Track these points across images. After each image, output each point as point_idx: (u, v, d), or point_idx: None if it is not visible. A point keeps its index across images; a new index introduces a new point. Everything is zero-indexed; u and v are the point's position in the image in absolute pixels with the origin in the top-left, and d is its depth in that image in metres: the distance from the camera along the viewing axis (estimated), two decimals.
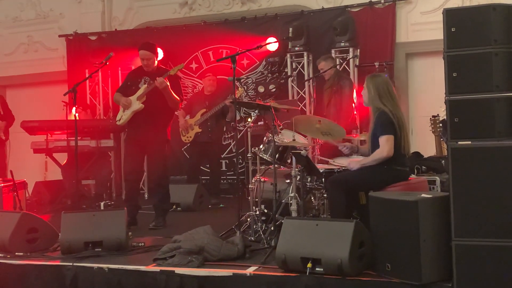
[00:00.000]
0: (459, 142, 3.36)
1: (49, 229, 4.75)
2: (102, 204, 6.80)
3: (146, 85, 5.65)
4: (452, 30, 3.39)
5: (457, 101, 3.39)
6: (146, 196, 8.21)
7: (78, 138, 5.29)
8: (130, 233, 4.67)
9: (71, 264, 4.10)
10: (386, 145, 4.23)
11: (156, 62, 5.77)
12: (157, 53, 5.82)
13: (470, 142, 3.34)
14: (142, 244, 4.65)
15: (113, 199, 8.06)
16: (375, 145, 4.34)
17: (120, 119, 5.77)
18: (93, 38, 9.15)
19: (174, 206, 6.43)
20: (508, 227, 3.20)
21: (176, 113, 6.55)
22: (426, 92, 7.59)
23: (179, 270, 3.86)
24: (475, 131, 3.35)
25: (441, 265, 3.36)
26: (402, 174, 4.37)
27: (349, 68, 7.59)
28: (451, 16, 3.42)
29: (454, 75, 3.38)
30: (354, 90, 6.85)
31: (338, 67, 7.19)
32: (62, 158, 7.84)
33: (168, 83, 5.51)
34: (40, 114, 8.27)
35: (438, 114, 6.10)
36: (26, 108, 8.85)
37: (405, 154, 4.35)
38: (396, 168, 4.30)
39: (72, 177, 6.72)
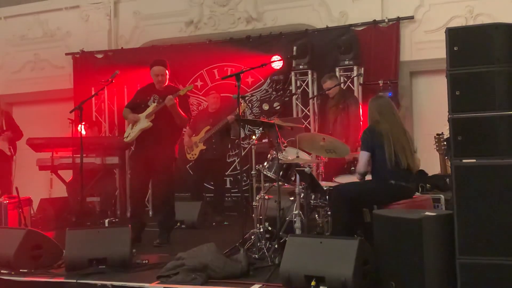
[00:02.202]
0: (463, 160, 3.37)
1: (54, 246, 4.76)
2: (106, 221, 6.81)
3: (155, 103, 5.67)
4: (455, 49, 3.42)
5: (460, 119, 3.40)
6: (150, 213, 8.21)
7: (84, 155, 5.32)
8: (134, 250, 4.65)
9: (75, 281, 4.10)
10: (359, 160, 4.51)
11: (167, 79, 5.81)
12: (169, 70, 5.87)
13: (474, 160, 3.35)
14: (146, 261, 4.65)
15: (118, 216, 8.07)
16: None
17: (127, 136, 5.78)
18: (99, 56, 9.23)
19: (178, 224, 6.42)
20: (510, 245, 3.19)
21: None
22: (431, 110, 7.61)
23: None
24: (478, 149, 3.36)
25: (446, 284, 3.35)
26: (406, 190, 4.39)
27: (354, 86, 7.63)
28: (454, 35, 3.45)
29: (457, 93, 3.40)
30: (360, 108, 6.87)
31: (342, 85, 7.23)
32: (67, 175, 7.87)
33: (177, 102, 5.54)
34: (46, 131, 8.32)
35: (442, 132, 6.10)
36: (32, 125, 8.88)
37: (408, 170, 4.37)
38: (401, 184, 4.33)
39: (77, 194, 6.74)
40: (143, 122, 5.67)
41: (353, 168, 5.51)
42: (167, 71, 5.76)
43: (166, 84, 5.81)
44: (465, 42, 3.42)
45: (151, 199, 8.16)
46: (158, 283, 3.98)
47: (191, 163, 7.89)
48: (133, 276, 4.24)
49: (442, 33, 3.54)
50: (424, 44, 7.67)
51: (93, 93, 7.68)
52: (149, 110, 5.67)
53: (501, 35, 3.36)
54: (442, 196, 5.24)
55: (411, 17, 7.74)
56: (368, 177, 4.61)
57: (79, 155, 5.33)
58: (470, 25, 6.45)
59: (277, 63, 7.87)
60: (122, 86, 8.64)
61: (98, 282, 4.05)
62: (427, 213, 3.52)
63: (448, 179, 5.62)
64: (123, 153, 8.21)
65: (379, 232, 3.71)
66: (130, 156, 7.91)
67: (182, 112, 5.63)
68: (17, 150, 7.81)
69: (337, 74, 7.55)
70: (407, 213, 3.66)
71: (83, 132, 7.95)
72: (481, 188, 3.29)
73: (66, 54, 9.44)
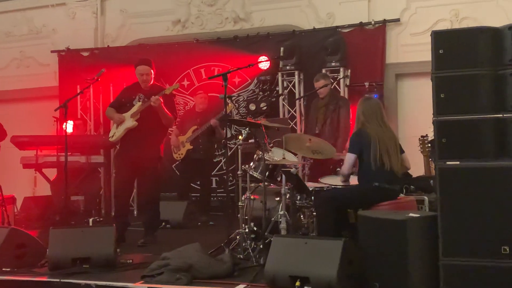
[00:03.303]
0: (447, 162, 3.40)
1: (37, 244, 4.72)
2: (91, 220, 6.76)
3: (140, 102, 5.66)
4: (440, 52, 3.44)
5: (445, 122, 3.43)
6: (135, 212, 8.17)
7: (68, 153, 5.28)
8: (118, 250, 4.64)
9: (58, 280, 4.07)
10: (345, 162, 4.54)
11: (153, 79, 5.80)
12: (155, 69, 5.85)
13: (458, 163, 3.38)
14: (131, 261, 4.62)
15: (102, 216, 8.03)
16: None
17: (112, 136, 5.76)
18: (85, 54, 9.16)
19: (163, 223, 6.40)
20: (495, 248, 3.23)
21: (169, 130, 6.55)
22: (416, 113, 7.66)
23: None
24: (462, 152, 3.39)
25: (429, 284, 3.38)
26: (390, 192, 4.42)
27: (340, 88, 7.65)
28: (439, 38, 3.47)
29: (441, 96, 3.43)
30: (350, 109, 6.87)
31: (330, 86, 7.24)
32: (52, 173, 7.80)
33: (162, 101, 5.53)
34: (31, 129, 8.25)
35: (427, 135, 6.15)
36: (17, 123, 8.80)
37: (393, 172, 4.41)
38: (384, 186, 4.36)
39: (61, 193, 6.67)
40: (128, 121, 5.64)
41: (338, 169, 5.53)
42: (152, 71, 5.75)
43: (152, 83, 5.79)
44: (451, 45, 3.45)
45: (136, 199, 8.12)
46: (142, 283, 3.96)
47: (177, 163, 7.87)
48: (117, 276, 4.21)
49: (428, 36, 3.57)
50: (410, 46, 7.72)
51: (78, 91, 7.62)
52: (134, 109, 5.65)
53: (486, 39, 3.40)
54: (426, 198, 5.27)
55: (397, 20, 7.79)
56: (355, 180, 4.65)
57: (63, 154, 5.28)
58: (456, 28, 6.50)
59: (264, 63, 7.87)
60: (108, 85, 8.60)
61: (82, 282, 4.03)
62: (411, 214, 3.54)
63: (432, 181, 5.67)
64: (108, 152, 8.16)
65: (364, 233, 3.73)
66: (115, 155, 7.85)
67: (168, 112, 5.61)
68: (0, 148, 7.74)
69: None
70: (391, 214, 3.69)
71: (71, 130, 7.92)
72: (465, 190, 3.32)
73: (52, 51, 9.35)
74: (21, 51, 9.74)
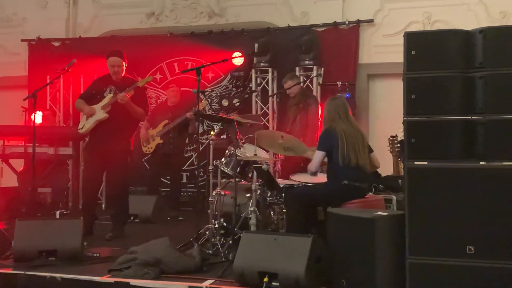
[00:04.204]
0: (416, 162, 3.44)
1: (2, 236, 4.62)
2: (58, 212, 6.67)
3: (111, 94, 5.59)
4: (412, 53, 3.48)
5: (415, 122, 3.47)
6: (103, 206, 8.08)
7: (36, 145, 5.18)
8: (85, 243, 4.58)
9: (23, 272, 4.00)
10: (314, 159, 4.57)
11: (124, 71, 5.73)
12: (126, 61, 5.78)
13: (426, 163, 3.43)
14: (98, 254, 4.57)
15: (70, 208, 7.93)
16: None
17: (82, 128, 5.68)
18: (56, 44, 9.01)
19: (132, 217, 6.34)
20: (460, 247, 3.28)
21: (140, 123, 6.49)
22: (386, 113, 7.75)
23: (134, 282, 3.80)
24: (431, 152, 3.44)
25: (396, 283, 3.42)
26: (359, 190, 4.47)
27: (313, 86, 7.69)
28: (412, 40, 3.51)
29: (412, 97, 3.47)
30: (320, 108, 6.94)
31: (302, 84, 7.28)
32: (19, 164, 7.66)
33: (130, 96, 5.47)
34: None
35: (396, 135, 6.23)
36: None
37: (361, 171, 4.45)
38: (354, 184, 4.41)
39: (28, 185, 6.57)
40: (99, 113, 5.58)
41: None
42: (123, 62, 5.68)
43: (123, 75, 5.72)
44: (423, 47, 3.49)
45: (104, 192, 8.03)
46: (109, 277, 3.92)
47: (147, 157, 7.81)
48: (84, 269, 4.16)
49: (400, 37, 3.61)
50: (383, 47, 7.80)
51: (48, 81, 7.49)
52: (105, 101, 5.58)
53: (457, 41, 3.45)
54: (394, 197, 5.34)
55: (371, 21, 7.86)
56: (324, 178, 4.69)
57: (31, 145, 5.18)
58: (428, 30, 6.60)
59: (238, 59, 7.87)
60: (78, 76, 8.48)
61: (47, 275, 3.97)
62: (379, 212, 3.58)
63: (400, 181, 5.74)
64: (77, 144, 8.05)
65: (333, 230, 3.76)
66: (84, 147, 7.76)
67: (138, 106, 5.57)
68: None
69: (297, 73, 7.60)
70: (360, 212, 3.72)
71: (39, 120, 7.79)
72: (432, 190, 3.37)
73: (22, 40, 9.16)
74: None
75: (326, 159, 4.79)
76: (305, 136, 6.38)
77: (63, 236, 4.37)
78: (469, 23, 6.35)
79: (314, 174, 4.67)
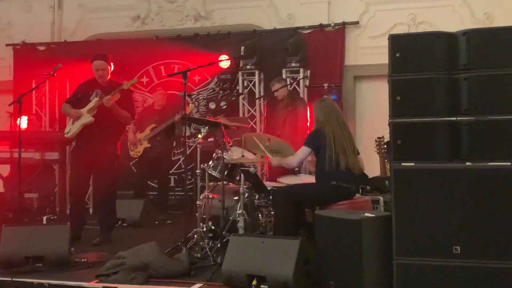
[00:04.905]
0: (402, 164, 3.46)
1: None
2: (44, 218, 6.61)
3: (97, 98, 5.57)
4: (397, 55, 3.51)
5: (400, 124, 3.50)
6: (91, 210, 8.03)
7: (22, 149, 5.15)
8: (73, 249, 4.56)
9: (10, 279, 3.97)
10: (298, 153, 4.60)
11: (109, 74, 5.71)
12: (111, 65, 5.76)
13: (412, 164, 3.45)
14: (85, 260, 4.55)
15: (57, 214, 7.86)
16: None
17: (68, 132, 5.65)
18: (41, 48, 8.96)
19: (119, 222, 6.31)
20: (447, 247, 3.31)
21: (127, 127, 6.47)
22: (373, 114, 7.78)
23: (122, 287, 3.78)
24: (417, 153, 3.46)
25: (383, 283, 3.43)
26: (347, 192, 4.49)
27: (299, 89, 7.70)
28: (396, 42, 3.54)
29: (397, 98, 3.49)
30: (308, 109, 6.97)
31: (288, 87, 7.30)
32: (5, 170, 7.60)
33: (115, 100, 5.45)
34: None
35: (383, 136, 6.26)
36: None
37: (349, 172, 4.47)
38: (342, 185, 4.42)
39: (14, 190, 6.52)
40: (85, 117, 5.55)
41: (297, 169, 5.58)
42: (108, 66, 5.66)
43: (109, 78, 5.70)
44: (407, 49, 3.51)
45: (91, 196, 7.99)
46: (96, 282, 3.90)
47: (134, 161, 7.78)
48: (71, 275, 4.14)
49: (386, 39, 3.63)
50: (368, 49, 7.84)
51: (34, 85, 7.44)
52: (91, 104, 5.56)
53: (442, 43, 3.48)
54: (381, 198, 5.36)
55: (356, 22, 7.90)
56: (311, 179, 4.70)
57: (17, 149, 5.14)
58: (413, 33, 6.66)
59: (224, 62, 7.85)
60: (64, 80, 8.41)
61: (35, 281, 3.94)
62: (366, 214, 3.60)
63: (387, 182, 5.77)
64: (64, 149, 7.99)
65: (320, 232, 3.77)
66: (71, 152, 7.70)
67: (124, 110, 5.55)
68: None
69: (284, 75, 7.62)
70: (347, 214, 3.73)
71: (25, 125, 7.73)
72: (418, 191, 3.39)
73: (7, 45, 9.09)
74: None
75: (313, 158, 4.82)
76: (296, 138, 6.38)
77: (50, 242, 4.35)
78: (454, 24, 6.41)
79: (293, 169, 4.68)
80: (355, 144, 4.74)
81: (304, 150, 4.58)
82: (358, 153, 4.75)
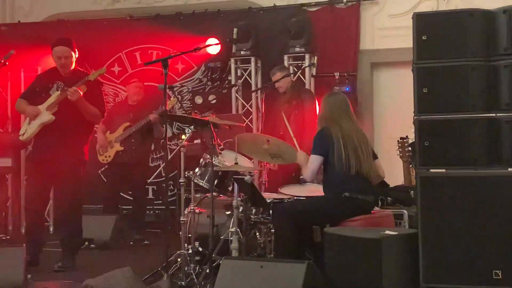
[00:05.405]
0: (430, 170, 3.47)
1: None
2: None
3: (59, 92, 5.57)
4: (423, 38, 3.52)
5: (428, 121, 3.51)
6: (51, 229, 8.04)
7: None
8: (29, 276, 4.56)
9: None
10: (309, 165, 4.60)
11: (74, 63, 5.72)
12: (76, 51, 5.77)
13: (443, 170, 3.46)
14: None
15: (10, 233, 7.87)
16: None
17: (24, 133, 5.65)
18: None
19: (86, 243, 6.32)
20: (485, 272, 3.32)
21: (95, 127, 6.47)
22: (394, 110, 7.79)
23: None
24: (448, 157, 3.48)
25: None
26: (363, 204, 4.49)
27: (305, 78, 7.72)
28: (422, 22, 3.55)
29: (424, 90, 3.51)
30: (316, 103, 6.94)
31: (292, 76, 7.31)
32: None
33: (82, 93, 5.45)
34: None
35: (407, 136, 6.26)
36: None
37: (365, 180, 4.48)
38: (356, 197, 4.43)
39: None
40: (44, 115, 5.55)
41: (302, 177, 5.58)
42: (72, 53, 5.67)
43: (73, 68, 5.71)
44: (435, 31, 3.53)
45: (52, 212, 7.99)
46: None
47: (104, 168, 7.78)
48: None
49: (409, 18, 3.64)
50: (388, 30, 7.85)
51: None
52: (51, 100, 5.56)
53: (477, 24, 3.49)
54: (405, 212, 5.37)
55: None
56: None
57: None
58: (441, 11, 6.65)
59: (213, 47, 7.87)
60: (18, 70, 8.42)
61: None
62: (387, 232, 3.61)
63: (412, 192, 5.78)
64: (18, 154, 8.01)
65: (331, 254, 3.78)
66: (27, 158, 7.70)
67: (92, 106, 5.56)
68: None
69: (286, 63, 7.64)
70: (364, 232, 3.75)
71: None
72: (450, 203, 3.40)
73: None
74: None
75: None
76: (303, 139, 6.37)
77: (2, 268, 4.35)
78: (492, 0, 6.42)
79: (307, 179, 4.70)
80: (372, 146, 4.75)
81: (313, 159, 4.57)
82: (377, 157, 4.75)
